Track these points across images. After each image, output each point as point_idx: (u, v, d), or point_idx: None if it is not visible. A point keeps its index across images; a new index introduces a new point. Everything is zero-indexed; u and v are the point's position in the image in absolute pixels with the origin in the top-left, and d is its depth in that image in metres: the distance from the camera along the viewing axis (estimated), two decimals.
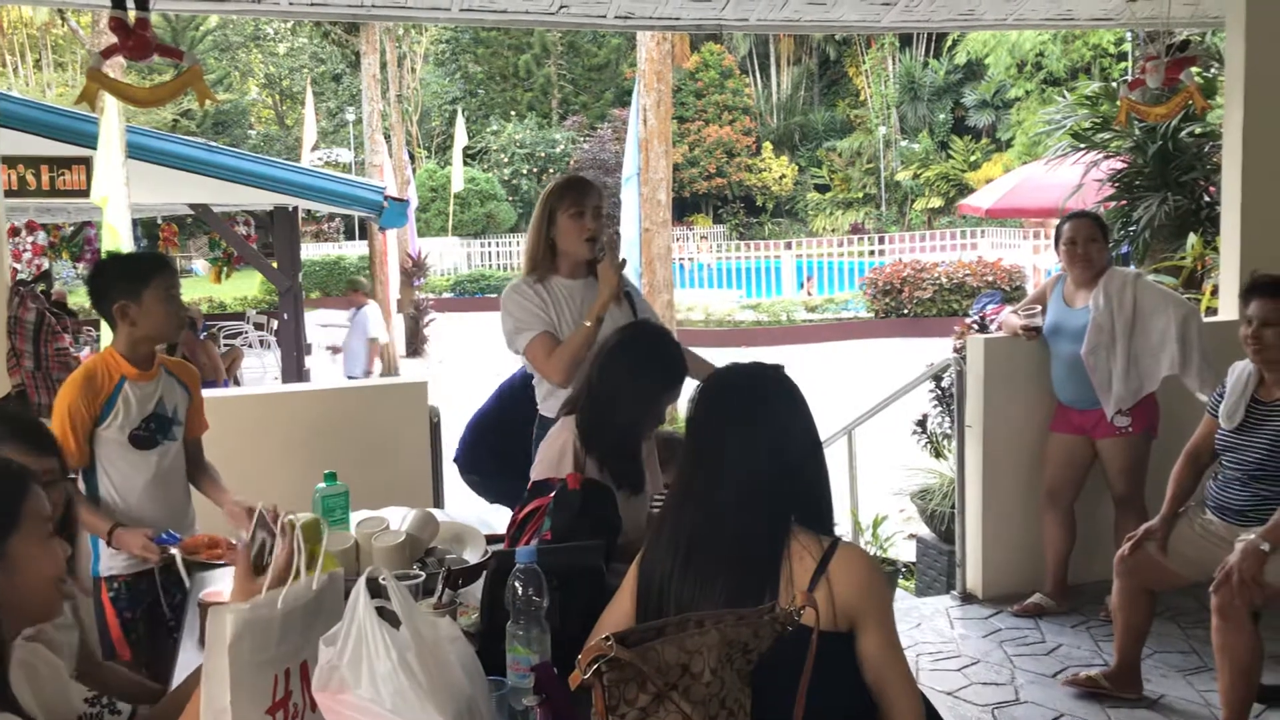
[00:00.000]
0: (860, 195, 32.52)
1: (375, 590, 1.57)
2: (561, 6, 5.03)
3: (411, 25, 16.82)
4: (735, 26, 5.43)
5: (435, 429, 4.18)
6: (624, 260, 3.49)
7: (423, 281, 19.07)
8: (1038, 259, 16.84)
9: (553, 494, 2.45)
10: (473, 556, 2.61)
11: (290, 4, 4.74)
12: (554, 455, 2.76)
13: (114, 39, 3.69)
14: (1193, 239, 6.30)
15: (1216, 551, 3.51)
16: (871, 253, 21.42)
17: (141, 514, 3.05)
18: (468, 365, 16.09)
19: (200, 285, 24.09)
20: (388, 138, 15.90)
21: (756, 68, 35.17)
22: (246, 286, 23.25)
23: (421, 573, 2.35)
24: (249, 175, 8.38)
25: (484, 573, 2.56)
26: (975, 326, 8.62)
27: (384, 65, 14.87)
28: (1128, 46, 26.25)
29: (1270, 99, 4.89)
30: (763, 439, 1.91)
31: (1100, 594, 4.71)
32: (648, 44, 8.89)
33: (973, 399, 4.87)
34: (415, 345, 17.37)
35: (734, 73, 33.21)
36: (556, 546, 2.17)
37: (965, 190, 30.57)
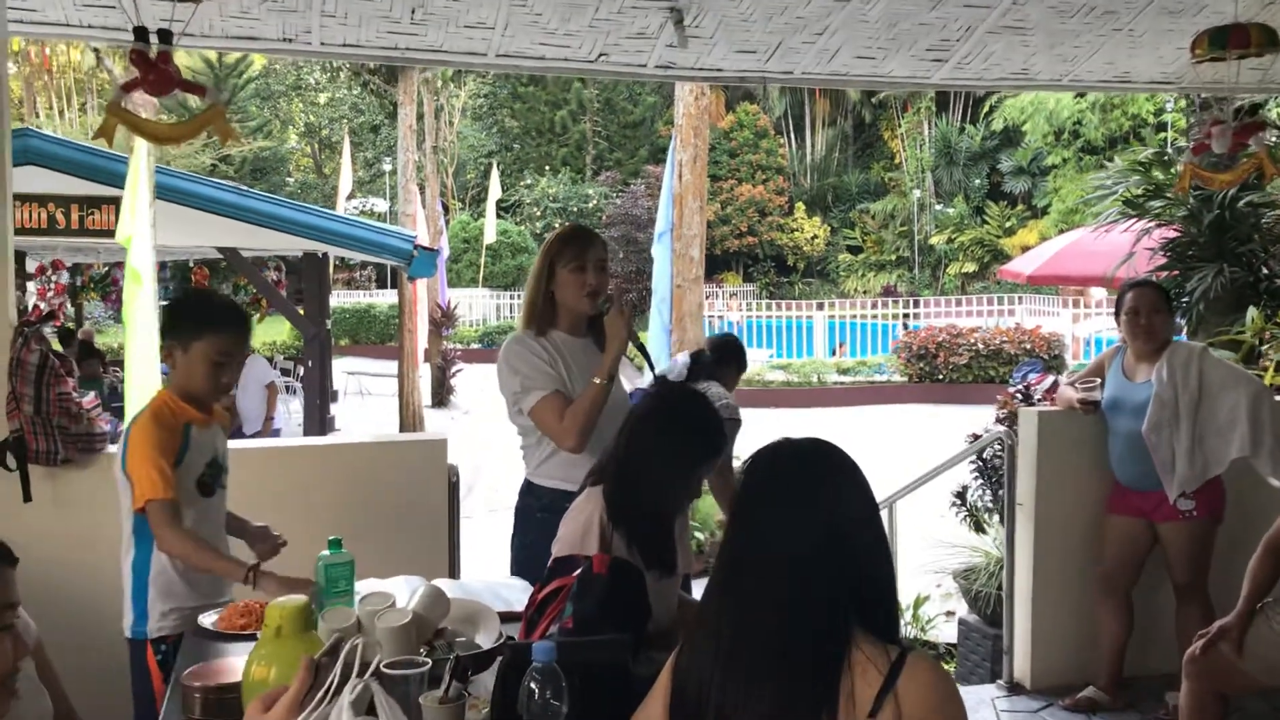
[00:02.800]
0: (893, 258, 32.34)
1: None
2: (601, 55, 4.86)
3: (450, 78, 16.88)
4: (779, 79, 5.24)
5: (454, 489, 3.94)
6: (631, 309, 3.29)
7: (451, 332, 18.96)
8: (1077, 328, 16.52)
9: (576, 574, 2.20)
10: (486, 640, 2.36)
11: (322, 44, 4.59)
12: (578, 529, 2.51)
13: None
14: (1253, 312, 6.01)
15: None
16: (904, 315, 21.17)
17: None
18: (491, 416, 15.89)
19: None
20: (422, 189, 15.87)
21: (791, 128, 35.23)
22: (275, 332, 23.25)
23: (428, 660, 2.10)
24: (279, 220, 8.27)
25: (496, 659, 2.31)
26: (1019, 396, 8.36)
27: (420, 117, 14.84)
28: (1168, 116, 26.12)
29: None
30: (822, 526, 1.66)
31: (1157, 689, 4.40)
32: (685, 99, 8.75)
33: (1024, 475, 4.59)
34: (441, 396, 17.21)
35: (769, 133, 33.27)
36: (578, 641, 1.92)
37: (1000, 256, 30.33)
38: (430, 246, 11.01)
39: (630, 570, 2.28)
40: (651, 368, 3.26)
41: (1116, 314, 4.47)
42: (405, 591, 2.68)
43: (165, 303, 3.03)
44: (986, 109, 31.07)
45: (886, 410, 14.61)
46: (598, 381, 3.06)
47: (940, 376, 15.66)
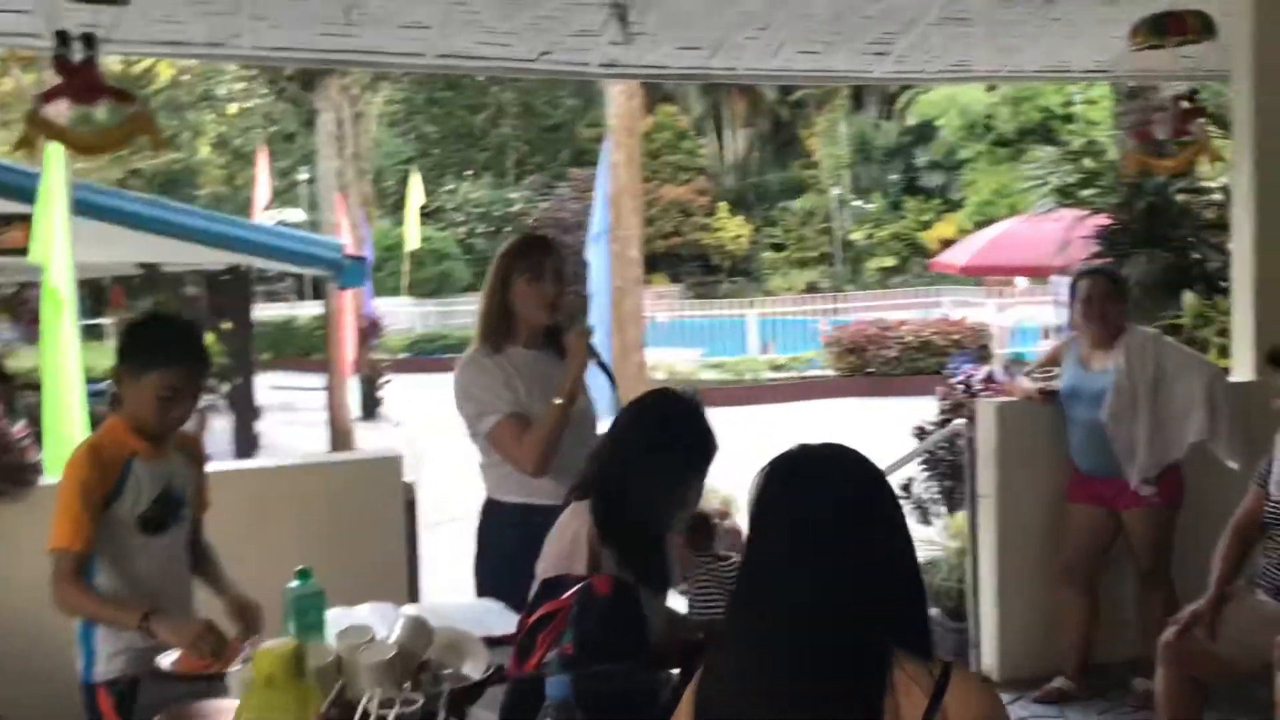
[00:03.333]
0: (815, 254, 32.55)
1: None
2: (543, 54, 4.75)
3: (366, 84, 16.56)
4: (723, 76, 5.19)
5: (410, 508, 3.79)
6: (591, 327, 3.17)
7: (377, 342, 18.59)
8: (1001, 317, 16.76)
9: (571, 597, 2.08)
10: (474, 670, 2.23)
11: (253, 48, 4.41)
12: (565, 548, 2.40)
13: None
14: (1190, 297, 6.09)
15: (1271, 636, 3.21)
16: (830, 311, 21.33)
17: None
18: (425, 428, 15.63)
19: None
20: (343, 196, 15.53)
21: (711, 128, 35.32)
22: None
23: (418, 697, 1.97)
24: (202, 233, 7.97)
25: (486, 689, 2.19)
26: (962, 388, 8.41)
27: (340, 123, 14.52)
28: (1076, 109, 26.71)
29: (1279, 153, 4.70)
30: (854, 537, 1.57)
31: (1123, 675, 4.41)
32: (617, 99, 8.66)
33: (985, 467, 4.57)
34: (371, 408, 16.86)
35: (689, 134, 33.29)
36: (590, 672, 1.80)
37: (918, 249, 30.70)
38: (359, 255, 10.77)
39: (630, 590, 2.17)
40: (614, 386, 3.13)
41: (1070, 302, 4.47)
42: (378, 621, 2.54)
43: (123, 324, 2.83)
44: (901, 105, 31.46)
45: (820, 405, 14.65)
46: (558, 402, 2.93)
47: (870, 370, 15.77)
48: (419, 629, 2.24)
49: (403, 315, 25.65)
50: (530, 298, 3.06)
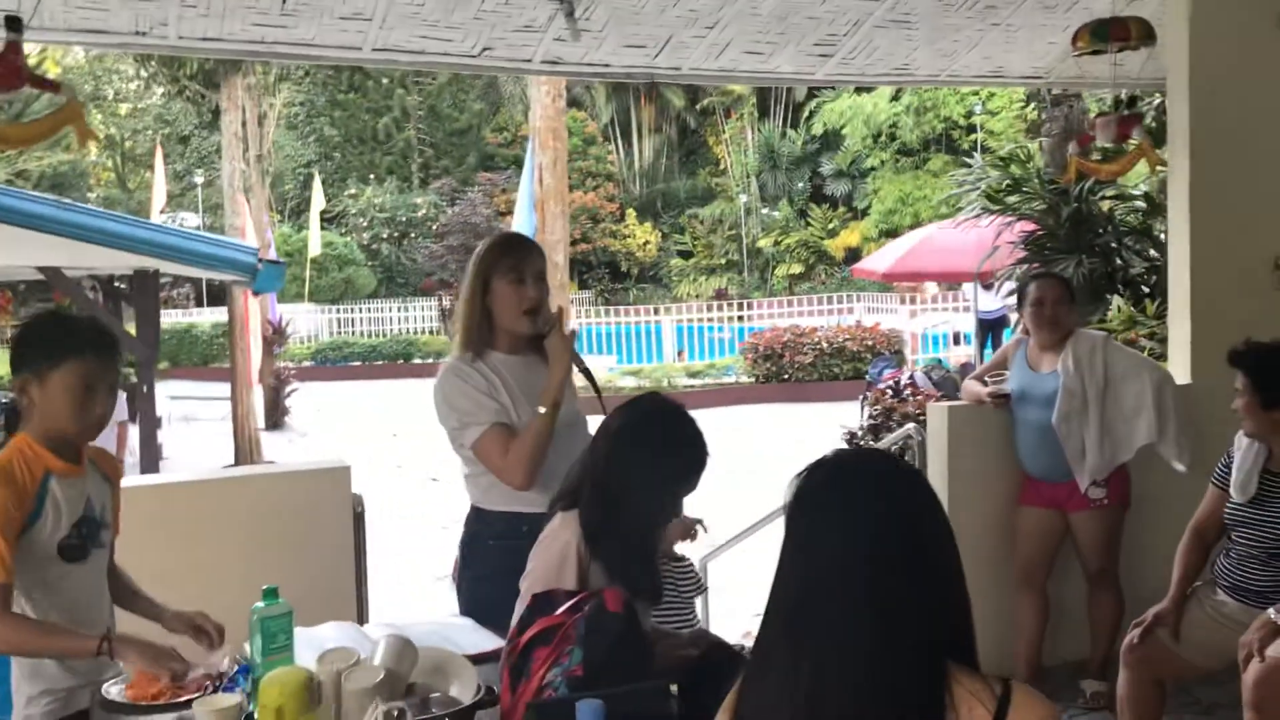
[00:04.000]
0: (723, 262, 32.77)
1: None
2: (485, 49, 4.61)
3: (271, 84, 16.13)
4: (668, 75, 5.11)
5: (359, 521, 3.61)
6: (574, 330, 3.02)
7: (282, 350, 18.11)
8: (913, 323, 17.03)
9: (577, 615, 1.96)
10: (463, 693, 2.09)
11: (180, 38, 4.18)
12: (553, 561, 2.27)
13: None
14: (1118, 302, 6.20)
15: (1234, 636, 3.23)
16: (740, 318, 21.44)
17: None
18: (332, 438, 15.27)
19: None
20: (247, 199, 15.07)
21: (618, 135, 35.31)
22: None
23: None
24: (108, 235, 7.59)
25: (475, 713, 2.06)
26: (890, 392, 8.49)
27: (244, 124, 14.08)
28: (978, 119, 27.38)
29: (1214, 159, 4.77)
30: (903, 550, 1.48)
31: (1072, 676, 4.44)
32: (542, 100, 8.52)
33: (935, 472, 4.55)
34: (276, 417, 16.38)
35: (596, 139, 33.24)
36: (615, 693, 1.67)
37: (824, 257, 31.14)
38: (274, 259, 10.41)
39: (631, 606, 2.05)
40: (598, 393, 2.99)
41: (1019, 306, 4.49)
42: (346, 642, 2.38)
43: (17, 329, 2.53)
44: (807, 113, 31.85)
45: (738, 411, 14.68)
46: (542, 411, 2.79)
47: (786, 376, 15.86)
48: (404, 650, 2.10)
49: (305, 322, 25.02)
50: (510, 301, 2.89)
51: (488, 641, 2.53)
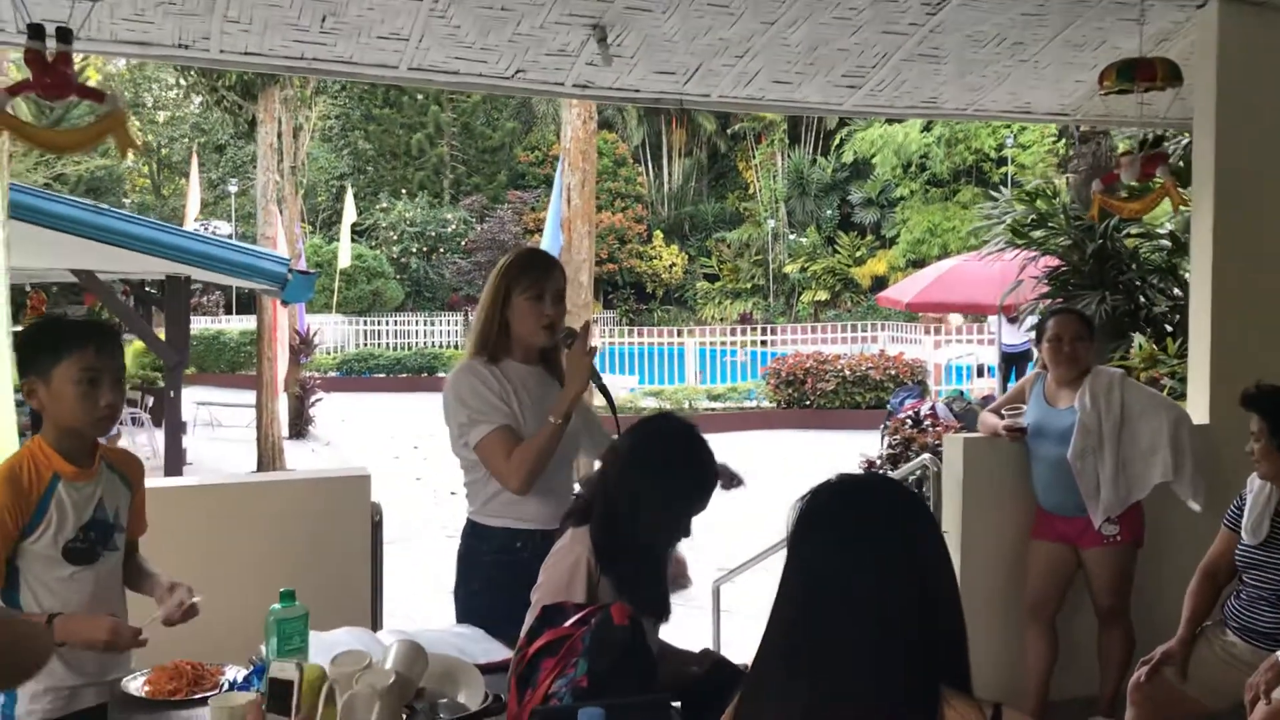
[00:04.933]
0: (749, 286, 32.84)
1: None
2: (518, 71, 4.69)
3: (308, 97, 16.31)
4: (697, 102, 5.17)
5: (377, 529, 3.67)
6: (595, 348, 3.08)
7: (308, 360, 18.26)
8: (937, 354, 17.01)
9: (584, 628, 2.01)
10: (471, 700, 2.14)
11: (221, 52, 4.29)
12: (563, 575, 2.32)
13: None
14: (1140, 339, 6.21)
15: (1242, 677, 3.22)
16: (764, 343, 21.47)
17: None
18: (354, 448, 15.37)
19: None
20: (280, 209, 15.26)
21: (649, 157, 35.50)
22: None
23: None
24: (141, 241, 7.73)
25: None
26: (909, 422, 8.50)
27: (279, 135, 14.28)
28: (1009, 151, 27.38)
29: (1238, 201, 4.79)
30: (903, 573, 1.52)
31: (1081, 712, 4.43)
32: (573, 122, 8.62)
33: (949, 503, 4.57)
34: (300, 426, 16.51)
35: (627, 161, 33.44)
36: (617, 704, 1.72)
37: (851, 284, 31.16)
38: (305, 270, 10.53)
39: (637, 621, 2.10)
40: (614, 410, 3.03)
41: (1037, 341, 4.51)
42: (359, 645, 2.43)
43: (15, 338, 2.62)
44: (837, 141, 31.93)
45: (759, 436, 14.69)
46: (553, 421, 2.84)
47: (808, 402, 15.86)
48: (415, 657, 2.15)
49: (332, 332, 25.23)
50: (529, 316, 2.97)
51: (498, 651, 2.58)
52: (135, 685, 2.43)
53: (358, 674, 2.05)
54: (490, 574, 2.90)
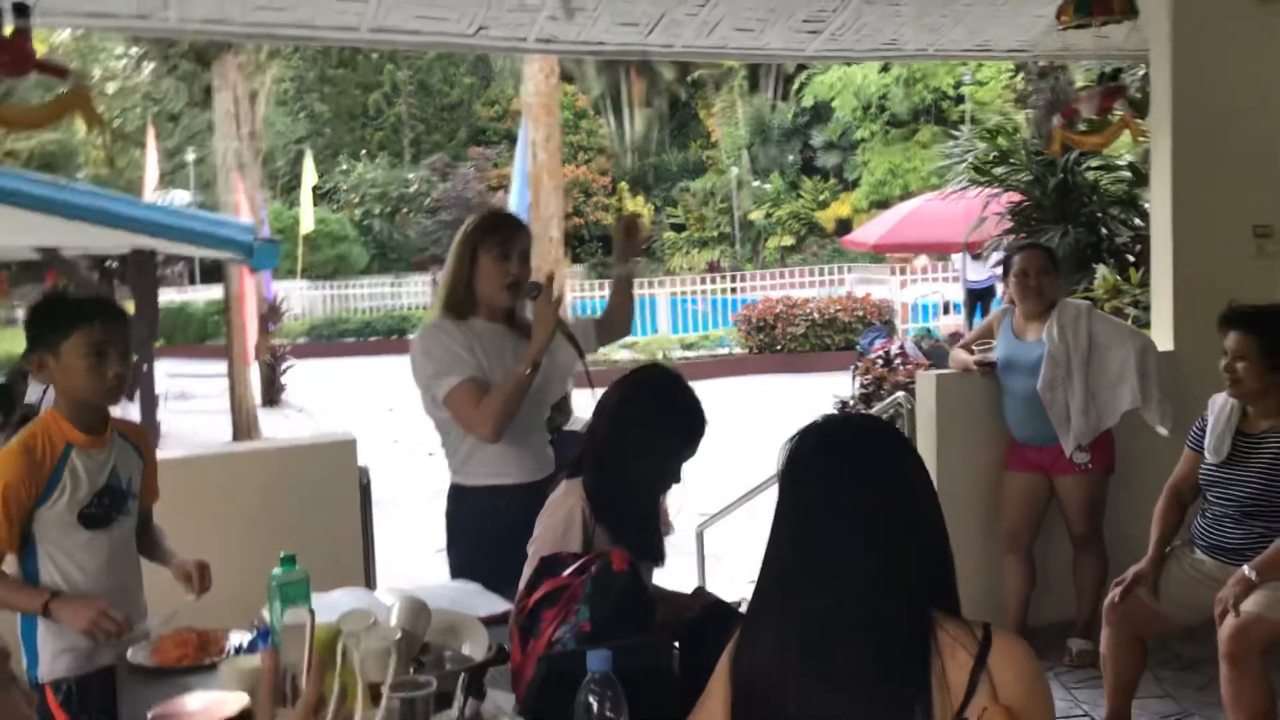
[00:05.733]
0: (715, 234, 32.81)
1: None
2: (480, 29, 4.67)
3: (262, 61, 16.08)
4: (660, 53, 5.17)
5: (365, 492, 3.72)
6: (560, 296, 3.14)
7: (276, 327, 18.16)
8: (903, 293, 17.15)
9: (583, 576, 2.07)
10: (476, 651, 2.21)
11: (180, 20, 4.25)
12: (559, 526, 2.39)
13: None
14: (1103, 271, 6.31)
15: (1211, 593, 3.35)
16: (733, 290, 21.52)
17: None
18: (328, 414, 15.35)
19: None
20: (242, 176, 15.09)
21: (609, 108, 35.23)
22: None
23: (431, 680, 1.94)
24: (105, 215, 7.63)
25: (487, 670, 2.17)
26: (880, 362, 8.60)
27: (236, 101, 14.08)
28: (966, 89, 27.40)
29: (1196, 130, 4.86)
30: (895, 503, 1.59)
31: (1059, 636, 4.57)
32: (535, 76, 8.57)
33: (924, 438, 4.67)
34: (272, 394, 16.46)
35: (588, 113, 33.17)
36: (621, 645, 1.78)
37: (815, 228, 31.21)
38: (270, 237, 10.46)
39: (635, 567, 2.16)
40: (581, 357, 3.09)
41: (1004, 275, 4.59)
42: (359, 605, 2.49)
43: (26, 312, 2.72)
44: (797, 86, 31.82)
45: (733, 382, 14.79)
46: (521, 370, 2.91)
47: (779, 347, 15.98)
48: (419, 612, 2.20)
49: (299, 299, 25.05)
50: (494, 277, 3.03)
51: (497, 604, 2.65)
52: (143, 655, 2.48)
53: (365, 631, 2.10)
54: (479, 533, 2.97)
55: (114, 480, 2.67)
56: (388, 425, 13.39)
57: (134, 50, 17.88)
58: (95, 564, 2.63)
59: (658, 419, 2.40)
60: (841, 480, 1.61)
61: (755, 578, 1.68)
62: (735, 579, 5.56)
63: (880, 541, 1.57)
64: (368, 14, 4.44)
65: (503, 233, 3.09)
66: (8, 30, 3.16)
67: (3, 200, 7.18)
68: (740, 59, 8.33)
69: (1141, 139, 4.93)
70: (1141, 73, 6.35)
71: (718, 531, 5.93)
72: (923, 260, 17.89)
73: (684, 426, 2.44)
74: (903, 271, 18.36)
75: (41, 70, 3.30)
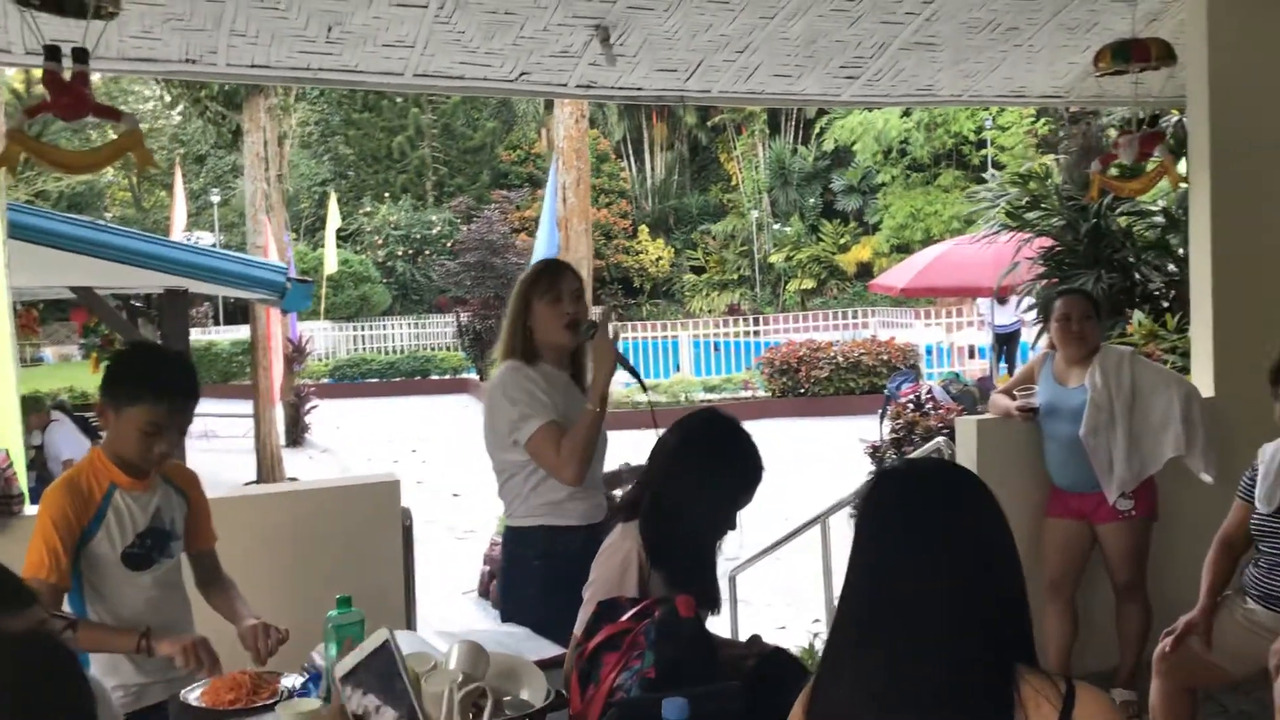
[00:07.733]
0: (735, 277, 32.90)
1: None
2: (522, 74, 4.73)
3: (290, 105, 16.32)
4: (696, 98, 5.22)
5: (408, 534, 3.71)
6: (618, 332, 3.19)
7: (301, 368, 18.25)
8: (928, 336, 17.10)
9: (644, 621, 2.05)
10: (535, 697, 2.19)
11: (228, 65, 4.31)
12: (615, 570, 2.37)
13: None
14: (1139, 316, 6.28)
15: (1265, 644, 3.29)
16: (754, 333, 21.54)
17: None
18: (352, 454, 15.38)
19: (59, 374, 22.88)
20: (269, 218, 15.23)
21: (630, 152, 35.49)
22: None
23: None
24: (139, 255, 7.73)
25: (546, 716, 2.15)
26: (911, 406, 8.57)
27: (265, 144, 14.25)
28: (988, 134, 27.48)
29: (1236, 174, 4.85)
30: (978, 552, 1.58)
31: (1101, 687, 4.47)
32: (566, 121, 8.66)
33: None
34: (296, 434, 16.51)
35: (609, 156, 33.41)
36: (695, 693, 1.76)
37: (836, 272, 31.25)
38: (302, 278, 10.54)
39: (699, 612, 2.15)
40: (644, 388, 3.27)
41: (1045, 321, 4.57)
42: (408, 648, 2.47)
43: (109, 357, 2.75)
44: (817, 130, 31.98)
45: (758, 425, 14.63)
46: (590, 408, 2.93)
47: (803, 390, 15.94)
48: (477, 656, 2.19)
49: (322, 339, 25.21)
50: (552, 319, 3.08)
51: (547, 649, 2.62)
52: (194, 697, 2.47)
53: (425, 675, 2.09)
54: (541, 577, 2.97)
55: (157, 522, 2.70)
56: (411, 465, 13.41)
57: (167, 94, 18.09)
58: (138, 604, 2.65)
59: (715, 463, 2.39)
60: (926, 526, 1.59)
61: (831, 623, 1.66)
62: (761, 625, 5.52)
63: (965, 590, 1.55)
64: (412, 60, 4.49)
65: (550, 275, 3.16)
66: (67, 75, 3.20)
67: (41, 241, 7.27)
68: (777, 104, 8.40)
69: (1181, 184, 4.92)
70: (1175, 119, 6.36)
71: (746, 577, 5.88)
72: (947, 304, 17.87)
73: (742, 473, 2.42)
74: (927, 316, 18.32)
75: (97, 113, 3.34)
